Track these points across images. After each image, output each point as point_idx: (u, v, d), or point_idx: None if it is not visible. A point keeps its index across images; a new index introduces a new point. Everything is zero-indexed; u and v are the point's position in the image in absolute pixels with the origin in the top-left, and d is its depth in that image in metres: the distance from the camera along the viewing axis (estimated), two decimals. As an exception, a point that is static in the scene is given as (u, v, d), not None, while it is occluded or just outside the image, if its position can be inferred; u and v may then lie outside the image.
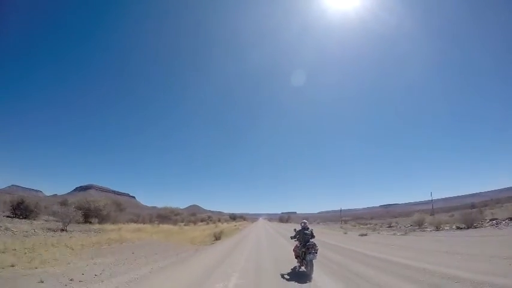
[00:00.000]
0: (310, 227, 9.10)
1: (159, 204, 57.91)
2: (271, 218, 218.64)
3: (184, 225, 35.53)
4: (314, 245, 8.15)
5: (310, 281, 7.39)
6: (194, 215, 55.08)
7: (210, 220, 58.24)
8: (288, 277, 7.87)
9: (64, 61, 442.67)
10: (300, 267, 8.72)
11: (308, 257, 7.94)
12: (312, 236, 8.59)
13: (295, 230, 9.31)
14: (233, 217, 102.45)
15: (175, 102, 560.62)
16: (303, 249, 8.29)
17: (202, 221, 55.71)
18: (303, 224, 9.08)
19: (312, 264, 7.97)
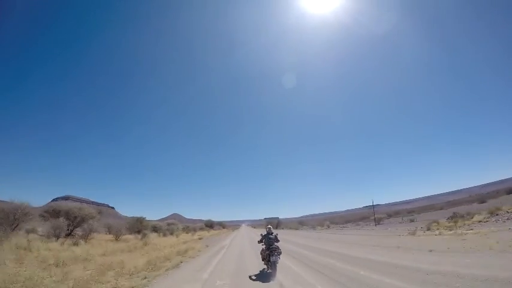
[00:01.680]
0: (275, 232, 10.10)
1: (140, 214, 44.12)
2: (254, 224, 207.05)
3: (74, 244, 18.00)
4: (277, 248, 9.28)
5: (273, 280, 8.20)
6: (141, 222, 39.91)
7: (159, 230, 43.63)
8: (255, 277, 8.68)
9: (39, 71, 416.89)
10: (268, 269, 9.32)
11: (272, 259, 8.89)
12: (276, 240, 9.69)
13: (261, 234, 10.10)
14: (209, 225, 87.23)
15: (154, 107, 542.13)
16: (267, 252, 9.27)
17: (155, 230, 42.60)
18: (268, 230, 10.04)
19: (275, 265, 8.89)
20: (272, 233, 9.80)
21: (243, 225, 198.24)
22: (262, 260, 9.95)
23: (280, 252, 9.28)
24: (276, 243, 9.48)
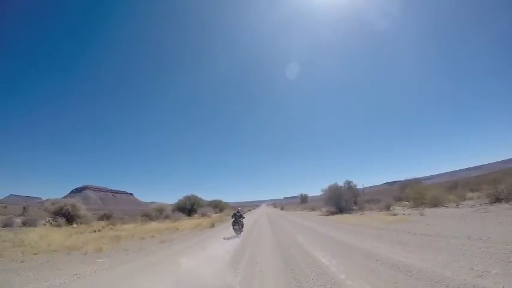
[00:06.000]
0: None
1: (158, 200, 44.95)
2: (275, 203, 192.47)
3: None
4: (239, 221, 14.95)
5: (235, 239, 13.40)
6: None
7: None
8: (226, 239, 13.47)
9: (49, 62, 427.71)
10: (237, 235, 14.53)
11: (234, 228, 14.86)
12: (241, 217, 15.30)
13: (234, 213, 15.89)
14: (187, 208, 46.53)
15: (167, 93, 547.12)
16: (233, 224, 15.20)
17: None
18: (238, 209, 16.21)
19: (237, 232, 14.65)
20: (240, 212, 15.57)
21: (263, 205, 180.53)
22: (233, 229, 15.11)
23: (242, 224, 15.04)
24: (241, 219, 15.08)
